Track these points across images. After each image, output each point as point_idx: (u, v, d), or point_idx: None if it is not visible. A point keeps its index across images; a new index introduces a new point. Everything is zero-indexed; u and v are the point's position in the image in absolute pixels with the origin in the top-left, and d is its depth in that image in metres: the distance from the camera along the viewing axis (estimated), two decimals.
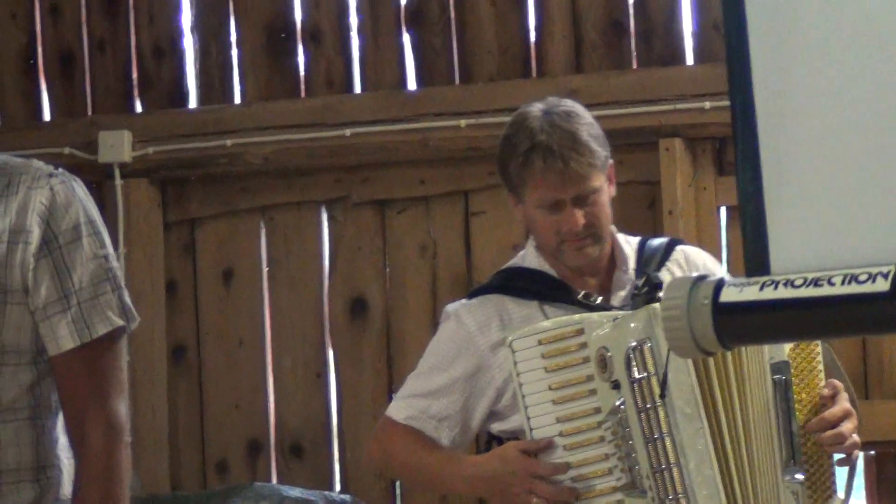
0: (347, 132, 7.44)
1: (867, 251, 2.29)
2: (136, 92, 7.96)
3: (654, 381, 4.42)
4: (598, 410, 4.53)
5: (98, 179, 7.63)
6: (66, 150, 7.57)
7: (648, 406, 4.47)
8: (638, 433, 4.52)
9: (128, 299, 3.83)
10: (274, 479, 7.58)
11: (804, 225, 2.38)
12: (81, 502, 3.75)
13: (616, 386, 4.46)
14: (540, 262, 4.81)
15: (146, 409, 7.71)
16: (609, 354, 4.12)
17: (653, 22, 7.49)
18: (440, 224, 7.53)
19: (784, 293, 2.25)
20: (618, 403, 4.48)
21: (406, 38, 7.71)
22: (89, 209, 3.79)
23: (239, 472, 7.65)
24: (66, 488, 3.82)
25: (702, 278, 2.42)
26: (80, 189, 3.80)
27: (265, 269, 7.64)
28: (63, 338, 3.78)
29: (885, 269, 2.19)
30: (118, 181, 7.65)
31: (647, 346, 4.12)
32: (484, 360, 4.78)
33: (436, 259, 7.50)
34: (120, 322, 3.75)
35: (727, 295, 2.31)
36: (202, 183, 7.81)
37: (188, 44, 8.01)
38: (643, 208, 7.20)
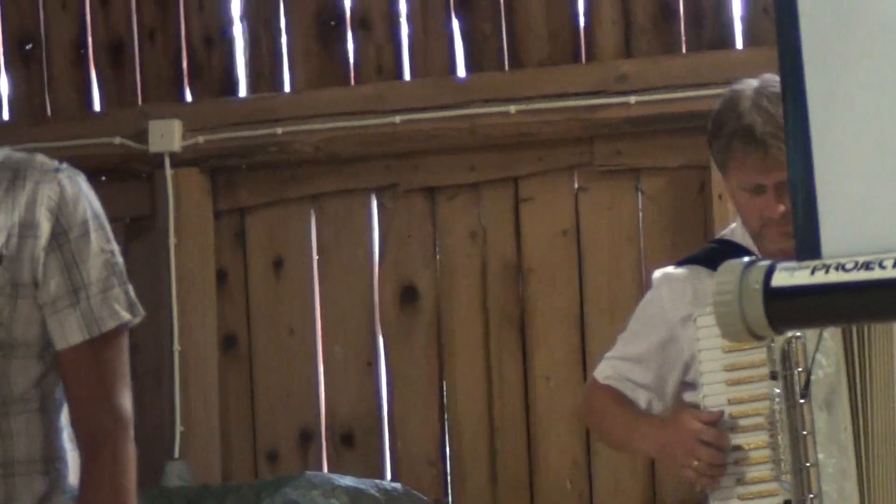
0: (397, 119, 7.44)
1: None
2: (185, 81, 7.96)
3: (801, 377, 4.45)
4: (766, 397, 4.62)
5: (149, 169, 7.77)
6: (117, 140, 7.61)
7: (794, 402, 4.49)
8: (785, 426, 4.56)
9: (132, 294, 3.83)
10: (325, 468, 7.57)
11: (855, 208, 2.31)
12: (90, 494, 3.80)
13: (774, 376, 4.54)
14: (745, 239, 4.86)
15: (197, 399, 7.77)
16: (773, 344, 4.16)
17: (702, 5, 7.47)
18: (490, 210, 7.53)
19: (835, 277, 2.16)
20: (776, 391, 4.58)
21: (455, 25, 7.71)
22: (95, 204, 3.78)
23: (290, 461, 7.68)
24: (72, 480, 3.87)
25: (753, 262, 2.34)
26: (85, 184, 3.79)
27: (315, 258, 7.65)
28: (72, 332, 3.81)
29: None
30: (168, 170, 7.64)
31: (800, 342, 4.14)
32: (674, 332, 4.89)
33: (486, 245, 7.48)
34: (127, 316, 3.79)
35: (778, 279, 2.24)
36: (252, 171, 7.83)
37: (237, 32, 8.00)
38: (694, 192, 7.20)
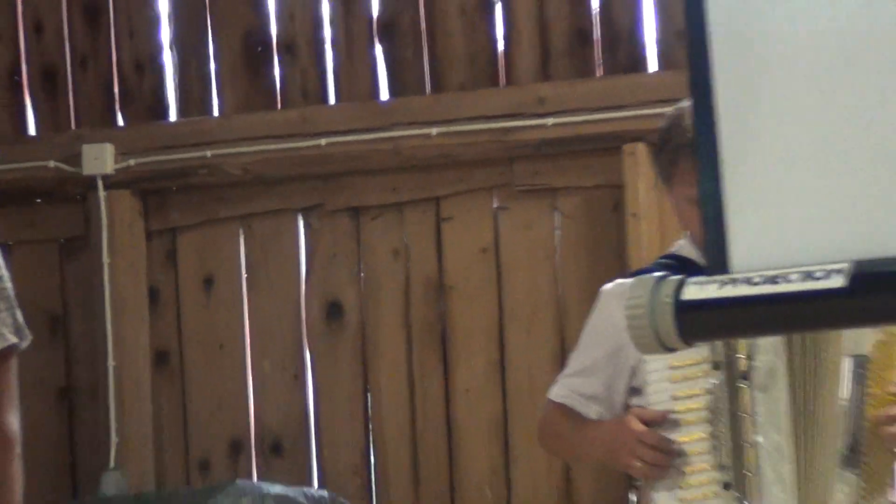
0: (322, 142, 7.58)
1: (823, 250, 2.25)
2: (118, 106, 8.03)
3: (743, 363, 4.61)
4: (709, 392, 4.80)
5: (83, 191, 7.87)
6: (52, 164, 7.72)
7: (736, 387, 4.68)
8: (726, 412, 4.76)
9: (21, 318, 4.17)
10: (255, 477, 7.69)
11: (763, 225, 2.35)
12: None
13: (716, 366, 4.70)
14: (690, 252, 5.01)
15: (132, 411, 7.86)
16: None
17: (617, 30, 7.62)
18: (412, 230, 7.69)
19: (743, 290, 2.21)
20: (716, 383, 4.74)
21: (378, 50, 7.86)
22: None
23: (221, 470, 7.78)
24: None
25: (664, 277, 2.42)
26: None
27: (244, 276, 7.78)
28: None
29: (839, 267, 2.16)
30: (101, 192, 7.73)
31: None
32: (622, 341, 4.80)
33: (409, 263, 7.64)
34: (14, 339, 4.10)
35: (688, 293, 2.28)
36: (183, 193, 7.92)
37: (168, 58, 8.17)
38: (609, 211, 7.34)
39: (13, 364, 4.21)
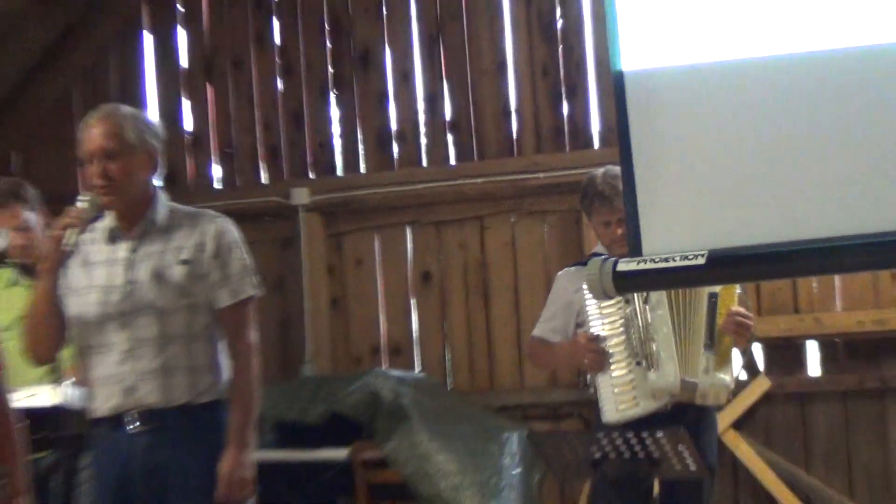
0: (419, 187, 9.93)
1: (696, 242, 3.21)
2: (309, 166, 10.29)
3: (642, 296, 5.91)
4: (621, 322, 6.07)
5: (292, 213, 10.00)
6: (275, 198, 10.04)
7: (642, 309, 6.03)
8: (636, 324, 6.05)
9: (256, 280, 4.97)
10: (384, 367, 9.85)
11: (659, 231, 3.29)
12: (235, 382, 4.95)
13: (627, 301, 5.97)
14: (603, 251, 6.09)
15: (318, 331, 10.08)
16: None
17: (577, 125, 9.77)
18: (468, 233, 10.04)
19: (648, 266, 3.23)
20: (628, 311, 6.05)
21: (449, 137, 10.09)
22: (235, 233, 5.00)
23: (367, 363, 9.93)
24: (225, 376, 5.00)
25: (608, 259, 3.59)
26: (230, 224, 5.00)
27: (378, 258, 10.06)
28: (224, 299, 4.94)
29: (702, 253, 3.17)
30: (301, 214, 9.98)
31: None
32: (570, 298, 6.24)
33: (466, 252, 10.03)
34: (253, 292, 4.98)
35: (620, 266, 3.36)
36: (345, 214, 10.09)
37: (336, 141, 10.37)
38: (573, 224, 9.55)
39: (254, 306, 5.02)
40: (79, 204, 4.80)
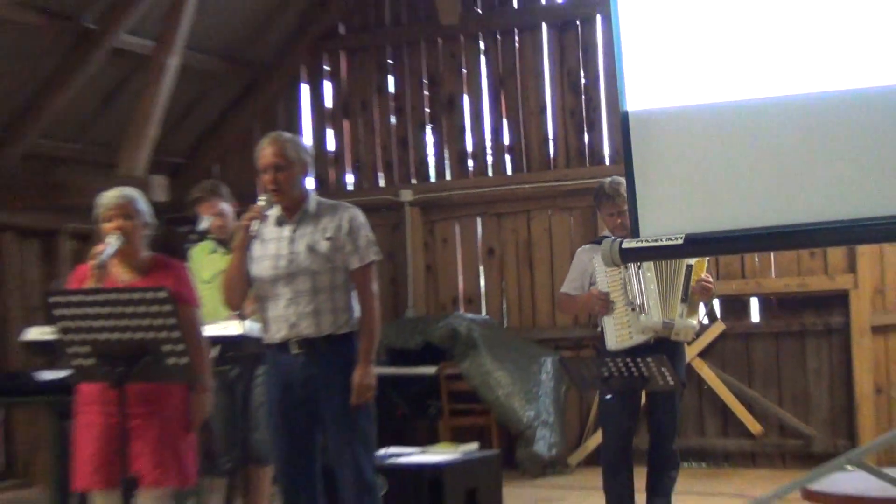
0: (485, 189, 9.83)
1: (677, 229, 3.11)
2: (412, 171, 10.22)
3: (636, 264, 5.69)
4: (621, 283, 5.85)
5: (400, 207, 9.98)
6: (391, 197, 10.02)
7: (636, 273, 5.82)
8: (631, 283, 5.81)
9: (377, 248, 4.90)
10: (461, 311, 9.82)
11: (653, 219, 3.12)
12: (363, 321, 4.87)
13: (626, 268, 5.70)
14: (608, 233, 5.86)
15: (415, 286, 9.98)
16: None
17: (595, 145, 9.63)
18: (519, 221, 9.82)
19: (644, 244, 3.18)
20: (626, 274, 5.80)
21: (507, 157, 9.89)
22: (363, 218, 4.92)
23: (449, 309, 9.91)
24: (356, 315, 4.88)
25: (615, 239, 3.57)
26: (359, 211, 4.93)
27: (458, 239, 9.91)
28: (354, 263, 4.84)
29: (680, 236, 3.10)
30: (407, 208, 9.99)
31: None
32: (586, 266, 6.00)
33: (517, 234, 9.73)
34: (375, 258, 4.88)
35: (625, 245, 3.35)
36: (437, 207, 10.00)
37: (430, 151, 10.20)
38: (591, 217, 9.19)
39: (374, 268, 4.90)
40: (259, 202, 4.81)
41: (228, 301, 4.98)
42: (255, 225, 4.77)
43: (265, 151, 4.85)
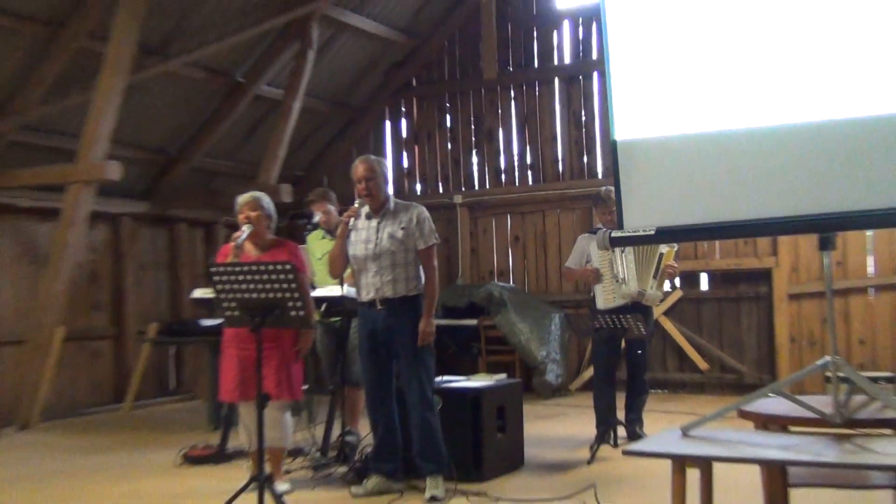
0: (514, 195, 9.48)
1: (650, 223, 2.89)
2: (462, 183, 9.92)
3: (621, 249, 5.57)
4: (609, 258, 5.74)
5: (454, 207, 9.83)
6: (447, 200, 9.85)
7: (620, 254, 5.67)
8: (616, 262, 5.70)
9: (436, 236, 4.74)
10: (494, 280, 9.59)
11: (634, 216, 2.93)
12: (426, 286, 4.72)
13: (613, 251, 5.61)
14: (601, 226, 5.85)
15: (463, 260, 9.72)
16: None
17: (587, 163, 9.29)
18: (537, 218, 9.44)
19: (626, 234, 2.92)
20: (612, 255, 5.70)
21: (529, 174, 9.56)
22: (427, 214, 4.76)
23: (488, 279, 9.62)
24: (421, 283, 4.72)
25: (606, 231, 3.20)
26: (424, 210, 4.76)
27: (494, 229, 9.48)
28: (421, 245, 4.70)
29: (652, 227, 2.87)
30: (458, 209, 9.82)
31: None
32: (585, 248, 5.92)
33: (535, 227, 9.29)
34: (435, 242, 4.74)
35: (613, 234, 3.02)
36: (479, 207, 9.69)
37: (487, 165, 9.93)
38: (590, 215, 8.90)
39: (435, 250, 4.74)
40: (356, 204, 4.76)
41: (332, 272, 4.90)
42: (352, 221, 4.73)
43: (359, 168, 4.78)
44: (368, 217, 4.79)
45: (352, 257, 4.79)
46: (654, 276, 5.69)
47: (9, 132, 7.60)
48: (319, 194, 5.88)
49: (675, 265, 5.84)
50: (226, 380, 4.69)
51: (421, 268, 4.75)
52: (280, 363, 4.59)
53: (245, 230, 4.56)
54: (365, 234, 4.76)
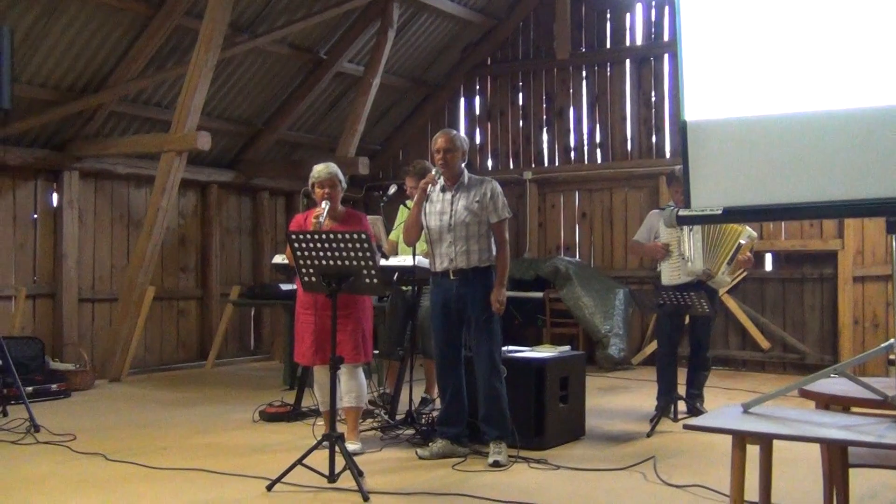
0: (583, 172, 9.39)
1: (718, 203, 2.85)
2: (533, 158, 9.81)
3: (689, 229, 5.47)
4: (678, 236, 5.65)
5: (523, 181, 9.74)
6: (516, 176, 9.73)
7: (688, 232, 5.56)
8: (684, 239, 5.61)
9: (508, 210, 4.70)
10: (562, 255, 9.35)
11: (702, 195, 2.89)
12: (498, 258, 4.67)
13: (681, 229, 5.48)
14: (671, 203, 5.63)
15: (520, 233, 9.67)
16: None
17: (657, 144, 9.18)
18: (605, 195, 9.36)
19: (693, 213, 2.87)
20: (680, 233, 5.58)
21: (598, 151, 9.47)
22: (500, 189, 4.70)
23: (553, 253, 9.58)
24: (493, 255, 4.68)
25: (675, 208, 3.12)
26: (497, 184, 4.70)
27: (549, 205, 9.35)
28: (493, 217, 4.64)
29: (719, 207, 2.83)
30: (528, 184, 9.72)
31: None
32: (653, 223, 5.86)
33: (602, 204, 9.19)
34: (507, 216, 4.69)
35: (680, 213, 2.96)
36: (539, 184, 9.60)
37: (545, 141, 9.79)
38: (654, 193, 8.89)
39: (507, 223, 4.69)
40: (433, 173, 4.74)
41: (406, 240, 4.87)
42: (430, 189, 4.69)
43: (439, 140, 4.77)
44: (443, 190, 4.76)
45: (428, 228, 4.77)
46: (728, 263, 5.61)
47: (109, 103, 7.76)
48: (419, 169, 5.79)
49: (751, 257, 5.76)
50: (302, 344, 4.74)
51: (493, 240, 4.71)
52: (355, 328, 4.62)
53: (325, 208, 4.58)
54: (440, 206, 4.73)
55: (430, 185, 4.67)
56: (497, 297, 4.60)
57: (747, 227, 5.71)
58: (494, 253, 4.70)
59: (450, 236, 4.66)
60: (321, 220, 4.54)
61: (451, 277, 4.68)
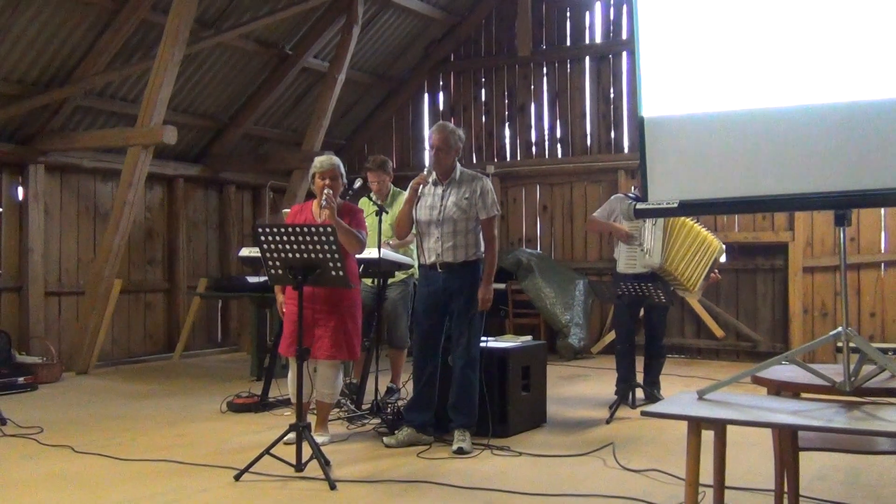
0: (544, 167, 9.39)
1: (673, 196, 2.86)
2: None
3: (651, 221, 5.45)
4: (636, 226, 5.59)
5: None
6: (478, 171, 8.36)
7: (649, 225, 5.53)
8: (644, 231, 5.53)
9: (497, 208, 4.67)
10: (523, 248, 9.46)
11: (658, 189, 2.89)
12: (486, 253, 4.65)
13: (640, 220, 5.38)
14: (632, 195, 5.63)
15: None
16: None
17: (618, 140, 9.14)
18: (565, 189, 9.32)
19: (649, 206, 2.87)
20: (641, 224, 5.52)
21: (559, 146, 9.45)
22: (491, 186, 4.68)
23: (516, 246, 9.54)
24: (481, 250, 4.67)
25: (633, 203, 3.03)
26: (489, 181, 4.71)
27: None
28: (483, 215, 4.63)
29: (675, 201, 2.82)
30: (490, 178, 8.93)
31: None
32: (616, 208, 5.75)
33: (563, 197, 9.15)
34: (496, 213, 4.68)
35: (638, 206, 2.96)
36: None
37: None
38: (614, 185, 8.89)
39: (497, 220, 4.68)
40: (424, 172, 4.68)
41: (397, 234, 4.93)
42: (420, 186, 4.66)
43: (434, 136, 4.72)
44: (435, 184, 4.72)
45: (418, 221, 4.75)
46: (706, 279, 5.65)
47: (75, 97, 7.70)
48: (378, 164, 5.78)
49: (718, 274, 5.78)
50: (284, 335, 4.70)
51: (481, 236, 4.70)
52: (338, 325, 4.53)
53: (326, 200, 4.49)
54: (430, 199, 4.71)
55: (420, 186, 4.66)
56: (484, 294, 4.59)
57: (721, 244, 5.74)
58: (481, 248, 4.69)
59: (438, 231, 4.64)
60: (327, 214, 4.41)
61: (439, 270, 4.66)
